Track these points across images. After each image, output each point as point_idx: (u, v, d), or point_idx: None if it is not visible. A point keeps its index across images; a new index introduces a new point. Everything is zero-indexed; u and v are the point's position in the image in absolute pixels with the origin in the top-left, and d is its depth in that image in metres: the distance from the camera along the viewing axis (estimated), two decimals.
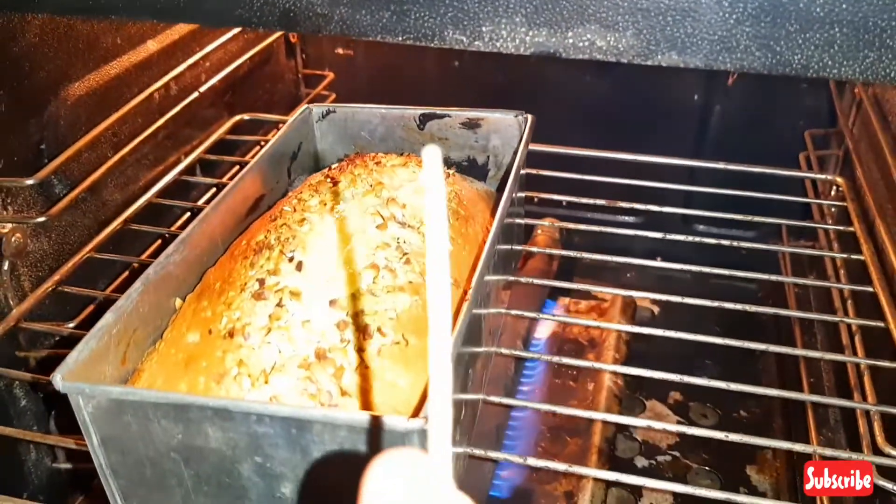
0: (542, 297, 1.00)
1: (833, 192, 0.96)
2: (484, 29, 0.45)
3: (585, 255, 0.81)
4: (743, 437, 0.59)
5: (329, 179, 0.66)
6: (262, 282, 0.54)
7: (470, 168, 0.80)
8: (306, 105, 0.79)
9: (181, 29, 0.88)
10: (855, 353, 0.71)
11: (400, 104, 0.80)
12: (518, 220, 0.80)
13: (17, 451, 0.72)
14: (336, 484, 0.46)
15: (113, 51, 0.79)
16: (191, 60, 0.87)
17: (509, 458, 0.59)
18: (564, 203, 0.94)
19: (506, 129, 0.78)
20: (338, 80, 1.15)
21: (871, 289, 0.71)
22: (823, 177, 0.92)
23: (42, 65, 0.71)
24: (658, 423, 0.64)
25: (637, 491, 0.89)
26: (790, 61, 0.42)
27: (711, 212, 0.85)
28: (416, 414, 0.43)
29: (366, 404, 0.49)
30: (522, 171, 0.76)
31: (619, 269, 1.14)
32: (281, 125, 0.76)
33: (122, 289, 0.55)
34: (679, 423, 0.96)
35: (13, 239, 0.68)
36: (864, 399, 0.64)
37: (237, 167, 0.94)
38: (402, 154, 0.74)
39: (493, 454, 0.59)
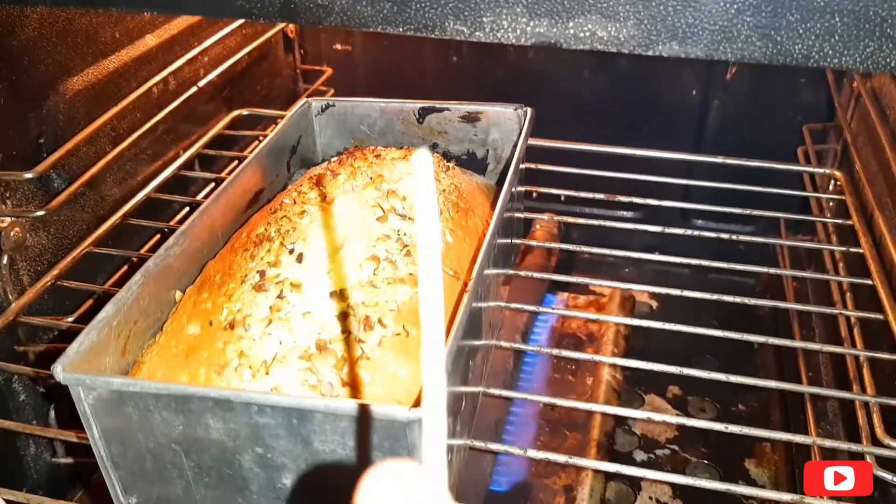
0: (540, 293, 1.01)
1: (831, 186, 0.96)
2: (485, 19, 0.45)
3: (583, 248, 0.81)
4: (743, 428, 0.59)
5: (329, 172, 0.66)
6: (262, 273, 0.54)
7: (469, 162, 0.80)
8: (305, 99, 0.79)
9: (180, 23, 0.88)
10: (854, 346, 0.71)
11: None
12: (518, 214, 0.80)
13: (16, 445, 0.71)
14: (337, 475, 0.46)
15: (112, 45, 0.79)
16: (189, 55, 0.87)
17: (509, 449, 0.59)
18: (563, 198, 0.94)
19: (505, 122, 0.78)
20: (336, 75, 1.15)
21: (869, 281, 0.71)
22: (822, 171, 0.92)
23: (41, 59, 0.70)
24: (657, 415, 0.64)
25: (636, 485, 0.89)
26: (791, 51, 0.42)
27: (710, 206, 0.85)
28: (417, 404, 0.43)
29: (367, 395, 0.49)
30: (522, 166, 0.76)
31: (618, 264, 1.14)
32: (279, 120, 0.76)
33: (121, 283, 0.55)
34: (678, 416, 0.96)
35: (12, 233, 0.68)
36: (864, 391, 0.65)
37: (236, 162, 0.94)
38: (401, 147, 0.74)
39: (493, 446, 0.59)
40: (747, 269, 0.77)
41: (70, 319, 0.73)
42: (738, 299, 0.72)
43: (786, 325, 0.94)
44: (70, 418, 0.71)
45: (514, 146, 0.73)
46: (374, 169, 0.65)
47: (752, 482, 0.89)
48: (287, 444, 0.45)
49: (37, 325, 0.71)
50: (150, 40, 0.84)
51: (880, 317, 0.68)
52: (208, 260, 0.61)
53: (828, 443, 0.60)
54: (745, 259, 0.78)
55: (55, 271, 0.71)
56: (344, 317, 0.51)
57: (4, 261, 0.67)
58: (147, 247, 0.84)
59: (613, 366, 0.97)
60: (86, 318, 0.71)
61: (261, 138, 0.93)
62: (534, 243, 0.91)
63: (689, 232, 0.81)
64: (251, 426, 0.45)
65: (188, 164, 0.88)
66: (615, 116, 1.13)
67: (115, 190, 0.81)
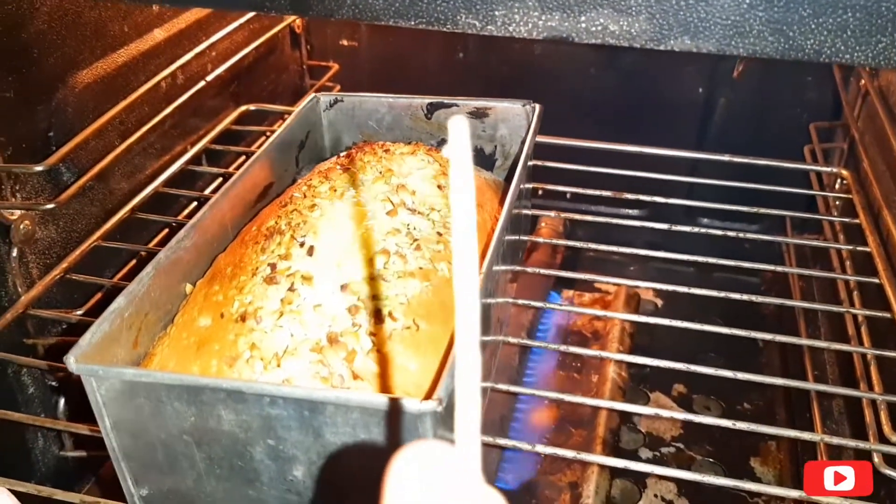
0: (545, 291, 1.01)
1: (838, 185, 0.96)
2: (496, 13, 0.46)
3: (589, 244, 0.81)
4: (750, 425, 0.59)
5: (339, 166, 0.66)
6: (273, 266, 0.54)
7: (477, 158, 0.80)
8: (314, 94, 0.79)
9: (188, 17, 0.88)
10: (861, 344, 0.71)
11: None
12: (525, 211, 0.80)
13: (25, 438, 0.72)
14: (348, 466, 0.46)
15: (120, 39, 0.79)
16: (197, 49, 0.87)
17: (518, 444, 0.59)
18: (568, 195, 0.94)
19: (513, 118, 0.78)
20: (342, 71, 1.15)
21: (877, 280, 0.71)
22: (829, 169, 0.92)
23: (50, 52, 0.71)
24: (665, 411, 0.64)
25: (641, 482, 0.89)
26: (803, 46, 0.42)
27: (715, 203, 0.85)
28: (428, 397, 0.43)
29: (377, 387, 0.49)
30: (530, 163, 0.76)
31: (622, 262, 1.15)
32: (286, 115, 0.76)
33: (130, 277, 0.55)
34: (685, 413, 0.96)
35: (21, 226, 0.68)
36: (871, 389, 0.65)
37: (243, 157, 0.94)
38: (409, 143, 0.74)
39: (501, 441, 0.59)
40: (752, 268, 0.77)
41: (79, 313, 0.73)
42: (744, 296, 0.72)
43: (791, 325, 0.94)
44: (79, 411, 0.71)
45: (523, 142, 0.73)
46: (383, 164, 0.65)
47: (757, 480, 0.89)
48: (298, 435, 0.45)
49: (45, 318, 0.71)
50: (159, 34, 0.84)
51: (888, 315, 0.68)
52: (218, 253, 0.61)
53: (835, 440, 0.59)
54: (750, 258, 0.77)
55: (64, 264, 0.71)
56: (354, 310, 0.51)
57: (14, 254, 0.68)
58: (155, 241, 0.84)
59: (619, 364, 0.97)
60: (95, 312, 0.71)
61: (268, 133, 0.93)
62: (540, 240, 0.91)
63: (694, 228, 0.81)
64: (263, 417, 0.45)
65: (196, 159, 0.88)
66: (620, 114, 1.13)
67: (123, 184, 0.81)
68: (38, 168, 0.67)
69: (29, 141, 0.69)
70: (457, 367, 0.21)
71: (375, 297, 0.52)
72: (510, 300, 0.71)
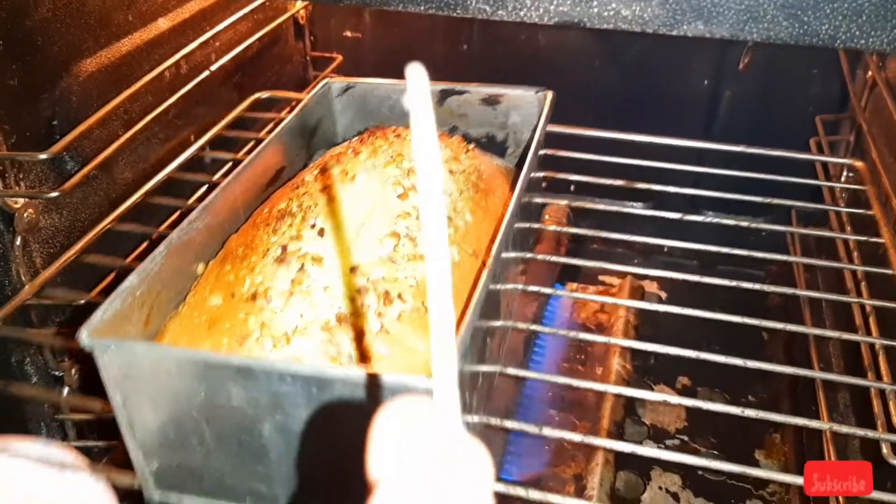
0: (550, 283, 1.00)
1: (843, 177, 0.96)
2: None
3: (592, 232, 0.80)
4: (759, 412, 0.59)
5: (351, 150, 0.66)
6: (284, 247, 0.55)
7: (489, 145, 0.80)
8: (326, 80, 0.79)
9: (192, 7, 0.87)
10: (869, 333, 0.70)
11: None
12: (536, 199, 0.79)
13: (28, 429, 0.72)
14: (354, 444, 0.46)
15: (125, 27, 0.78)
16: (202, 39, 0.87)
17: (525, 427, 0.59)
18: (572, 188, 0.94)
19: (525, 105, 0.77)
20: (346, 62, 1.15)
21: (888, 271, 0.70)
22: (841, 160, 0.91)
23: (54, 40, 0.70)
24: (672, 398, 0.64)
25: (646, 475, 0.89)
26: (818, 31, 0.42)
27: (721, 193, 0.84)
28: None
29: (385, 368, 0.49)
30: (541, 152, 0.75)
31: (626, 255, 1.14)
32: (298, 103, 0.76)
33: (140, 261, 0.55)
34: (687, 409, 0.96)
35: (25, 214, 0.67)
36: (879, 379, 0.64)
37: (252, 143, 0.94)
38: None
39: (508, 423, 0.59)
40: (758, 257, 0.76)
41: (82, 302, 0.73)
42: (750, 285, 0.71)
43: (797, 318, 0.94)
44: (79, 403, 0.71)
45: (534, 130, 0.73)
46: (394, 148, 0.65)
47: None
48: (306, 412, 0.45)
49: (48, 310, 0.71)
50: (163, 23, 0.83)
51: None
52: (230, 235, 0.61)
53: (844, 429, 0.59)
54: (754, 250, 0.77)
55: (78, 246, 0.71)
56: (364, 291, 0.52)
57: (18, 242, 0.67)
58: (163, 226, 0.83)
59: (623, 356, 0.97)
60: (104, 295, 0.71)
61: (279, 121, 0.93)
62: (551, 227, 0.91)
63: (699, 217, 0.80)
64: (272, 394, 0.45)
65: (208, 145, 0.88)
66: (625, 107, 1.13)
67: (127, 173, 0.81)
68: (43, 156, 0.67)
69: (33, 129, 0.69)
70: (431, 321, 0.21)
71: (385, 278, 0.53)
72: (519, 286, 0.70)
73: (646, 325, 1.03)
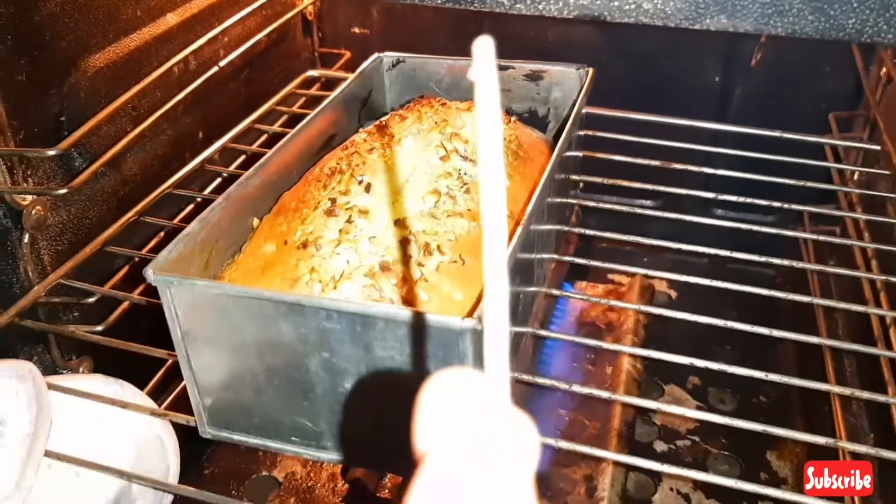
0: (559, 282, 1.00)
1: (856, 176, 0.95)
2: None
3: (602, 233, 0.79)
4: (767, 427, 0.58)
5: (397, 117, 0.70)
6: (333, 201, 0.58)
7: (531, 119, 0.82)
8: (377, 54, 0.82)
9: (200, 2, 0.87)
10: (889, 347, 0.69)
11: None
12: (573, 176, 0.82)
13: None
14: (394, 380, 0.49)
15: (133, 23, 0.78)
16: (210, 34, 0.86)
17: (555, 383, 0.61)
18: (581, 185, 0.93)
19: (567, 82, 0.80)
20: (353, 58, 1.14)
21: None
22: (873, 146, 0.89)
23: (63, 35, 0.69)
24: (676, 408, 0.63)
25: (657, 475, 0.88)
26: (844, 25, 0.41)
27: (731, 195, 0.83)
28: (470, 316, 0.45)
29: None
30: (579, 132, 0.77)
31: (635, 254, 1.13)
32: (343, 83, 0.78)
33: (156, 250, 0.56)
34: (699, 408, 0.95)
35: (34, 212, 0.67)
36: None
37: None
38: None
39: (539, 379, 0.61)
40: (770, 262, 0.75)
41: (91, 300, 0.72)
42: (764, 291, 0.70)
43: (809, 316, 0.93)
44: None
45: (573, 105, 0.75)
46: (439, 115, 0.69)
47: (773, 475, 0.88)
48: (350, 349, 0.48)
49: (55, 306, 0.70)
50: (171, 19, 0.83)
51: None
52: (283, 192, 0.65)
53: (862, 449, 0.58)
54: (765, 248, 0.76)
55: (102, 237, 0.74)
56: (406, 242, 0.55)
57: (26, 240, 0.67)
58: (179, 217, 0.84)
59: (633, 355, 0.96)
60: (119, 287, 0.71)
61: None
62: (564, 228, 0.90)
63: (708, 220, 0.79)
64: (319, 331, 0.48)
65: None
66: (633, 102, 1.12)
67: (136, 169, 0.80)
68: (51, 152, 0.66)
69: (41, 125, 0.68)
70: (486, 293, 0.21)
71: (425, 231, 0.56)
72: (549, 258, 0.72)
73: (656, 323, 1.02)
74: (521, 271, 0.56)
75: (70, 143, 0.68)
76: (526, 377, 0.60)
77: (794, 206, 0.82)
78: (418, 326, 0.46)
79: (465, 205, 0.59)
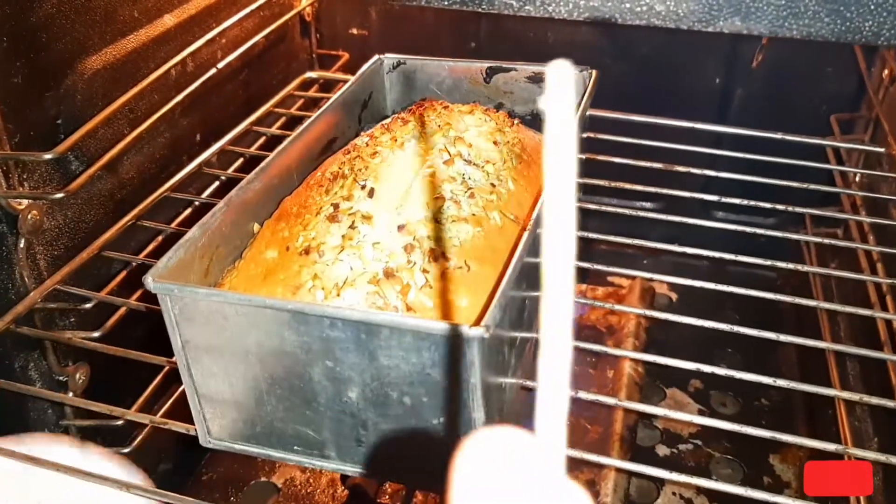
0: None
1: (857, 179, 0.95)
2: None
3: (602, 236, 0.78)
4: (775, 434, 0.57)
5: (400, 120, 0.69)
6: (336, 206, 0.58)
7: (534, 122, 0.81)
8: (377, 55, 0.81)
9: (198, 3, 0.86)
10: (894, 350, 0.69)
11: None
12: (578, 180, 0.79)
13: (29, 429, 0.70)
14: (398, 390, 0.48)
15: (130, 24, 0.76)
16: (208, 36, 0.85)
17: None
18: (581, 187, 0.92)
19: None
20: (352, 60, 1.13)
21: None
22: (876, 148, 0.88)
23: (59, 36, 0.68)
24: (677, 413, 0.62)
25: (660, 480, 0.88)
26: (861, 28, 0.40)
27: (732, 197, 0.82)
28: (477, 324, 0.44)
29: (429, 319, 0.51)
30: (584, 134, 0.77)
31: (636, 256, 1.13)
32: (342, 84, 0.78)
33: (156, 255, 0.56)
34: (700, 412, 0.94)
35: (29, 216, 0.66)
36: None
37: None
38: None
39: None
40: (773, 265, 0.74)
41: (88, 306, 0.71)
42: (767, 295, 0.69)
43: (811, 319, 0.92)
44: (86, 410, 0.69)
45: (577, 106, 0.74)
46: (442, 118, 0.68)
47: (777, 478, 0.88)
48: (355, 357, 0.47)
49: (52, 315, 0.69)
50: (169, 20, 0.81)
51: None
52: (284, 197, 0.64)
53: (871, 455, 0.57)
54: (765, 249, 0.75)
55: (99, 241, 0.72)
56: (410, 248, 0.54)
57: (22, 245, 0.66)
58: (177, 221, 0.83)
59: (635, 359, 0.95)
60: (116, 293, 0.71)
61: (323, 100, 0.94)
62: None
63: (709, 223, 0.79)
64: (322, 339, 0.47)
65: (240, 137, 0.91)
66: (635, 104, 1.11)
67: (132, 173, 0.79)
68: (48, 156, 0.65)
69: (37, 128, 0.67)
70: (543, 352, 0.19)
71: (430, 237, 0.56)
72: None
73: (657, 326, 1.02)
74: (527, 276, 0.55)
75: (66, 146, 0.67)
76: (529, 383, 0.59)
77: (796, 209, 0.81)
78: (424, 334, 0.45)
79: (469, 210, 0.59)
